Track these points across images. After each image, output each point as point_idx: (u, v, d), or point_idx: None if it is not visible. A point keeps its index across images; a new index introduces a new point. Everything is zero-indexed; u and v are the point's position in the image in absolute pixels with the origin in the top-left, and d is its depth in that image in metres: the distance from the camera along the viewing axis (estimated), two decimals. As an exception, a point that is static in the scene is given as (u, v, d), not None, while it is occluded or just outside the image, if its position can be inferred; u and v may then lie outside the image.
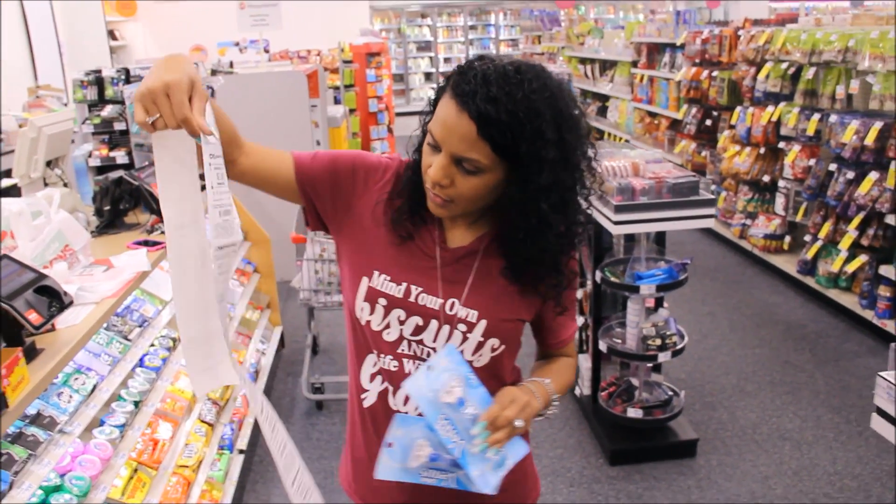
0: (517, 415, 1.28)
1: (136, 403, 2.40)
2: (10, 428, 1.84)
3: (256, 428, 3.67)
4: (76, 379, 2.12)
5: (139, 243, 3.01)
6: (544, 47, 12.74)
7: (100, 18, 9.78)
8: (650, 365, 3.54)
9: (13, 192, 3.23)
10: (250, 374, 3.94)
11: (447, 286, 1.40)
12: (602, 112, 9.88)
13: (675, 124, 7.66)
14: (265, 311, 4.76)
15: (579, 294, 4.00)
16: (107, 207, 3.32)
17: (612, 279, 3.32)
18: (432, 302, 1.40)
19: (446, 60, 17.39)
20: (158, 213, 3.32)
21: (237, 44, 11.32)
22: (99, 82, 3.89)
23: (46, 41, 8.64)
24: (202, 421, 3.02)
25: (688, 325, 4.82)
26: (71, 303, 2.08)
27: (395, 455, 1.31)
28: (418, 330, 1.40)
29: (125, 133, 3.84)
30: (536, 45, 13.34)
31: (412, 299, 1.40)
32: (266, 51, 11.92)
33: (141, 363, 2.62)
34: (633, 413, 3.41)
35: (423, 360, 1.41)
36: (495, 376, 1.43)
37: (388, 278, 1.40)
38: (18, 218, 2.59)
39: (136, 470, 2.34)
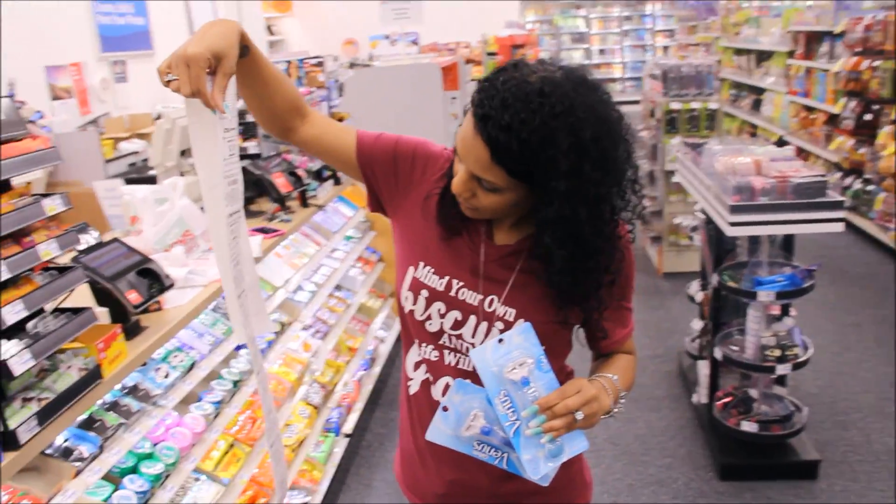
0: (578, 406, 1.22)
1: (236, 383, 2.53)
2: (108, 397, 1.99)
3: (365, 413, 3.77)
4: (176, 356, 2.26)
5: (257, 230, 3.16)
6: (699, 38, 12.22)
7: (258, 15, 10.35)
8: (772, 376, 3.32)
9: (151, 180, 3.49)
10: (365, 360, 4.05)
11: (488, 283, 1.39)
12: (756, 106, 9.34)
13: (832, 119, 7.12)
14: (388, 299, 4.87)
15: (700, 297, 3.81)
16: (232, 195, 3.51)
17: (730, 284, 3.14)
18: (472, 297, 1.39)
19: (601, 52, 17.04)
20: (280, 201, 3.48)
21: (387, 37, 11.64)
22: (235, 76, 4.11)
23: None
24: (307, 403, 3.14)
25: (828, 336, 4.50)
26: (171, 285, 2.22)
27: (448, 420, 1.30)
28: (457, 324, 1.40)
29: (256, 123, 4.04)
30: (692, 35, 12.81)
31: (452, 293, 1.39)
32: (415, 43, 12.16)
33: (246, 345, 2.74)
34: (748, 427, 3.21)
35: (464, 354, 1.41)
36: None
37: (432, 270, 1.41)
38: (143, 204, 2.80)
39: (231, 445, 2.47)
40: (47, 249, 1.68)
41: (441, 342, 1.42)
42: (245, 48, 1.24)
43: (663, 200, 5.57)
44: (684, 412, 3.79)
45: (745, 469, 3.24)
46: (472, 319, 1.39)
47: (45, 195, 1.71)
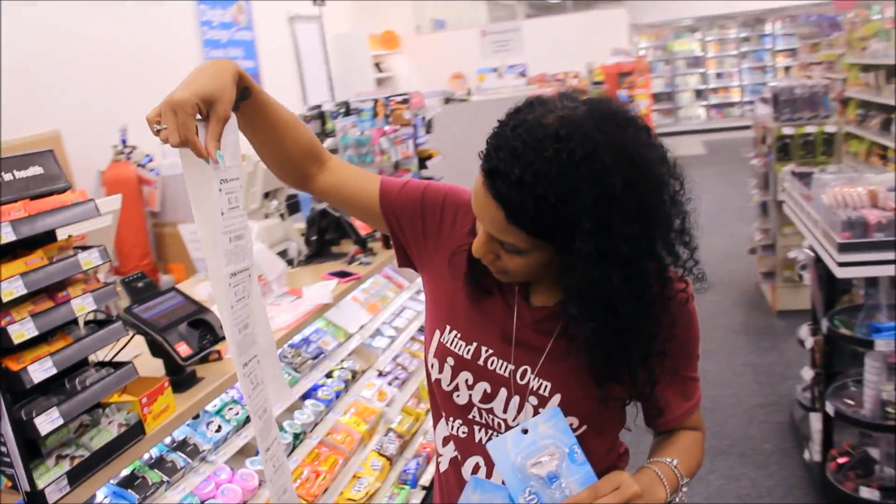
0: None
1: (297, 436, 2.44)
2: (154, 451, 1.95)
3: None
4: (231, 409, 2.20)
5: (334, 274, 3.10)
6: (822, 55, 11.53)
7: (366, 53, 10.55)
8: (896, 435, 2.95)
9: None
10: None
11: (521, 351, 1.23)
12: (886, 126, 8.65)
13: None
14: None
15: (810, 342, 3.46)
16: (313, 237, 3.50)
17: (842, 330, 2.82)
18: (502, 367, 1.23)
19: (718, 76, 16.41)
20: (361, 243, 3.42)
21: (495, 69, 11.61)
22: (321, 116, 4.12)
23: (317, 74, 9.48)
24: (381, 454, 3.03)
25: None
26: (224, 337, 2.17)
27: None
28: (487, 397, 1.25)
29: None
30: (814, 53, 12.13)
31: (481, 362, 1.24)
32: (523, 75, 12.07)
33: (311, 395, 2.67)
34: (868, 493, 2.84)
35: (497, 430, 1.25)
36: None
37: (459, 335, 1.27)
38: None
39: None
40: (82, 304, 1.65)
41: (471, 416, 1.27)
42: (246, 90, 1.15)
43: (776, 233, 5.18)
44: (795, 470, 3.43)
45: (864, 540, 2.88)
46: (503, 392, 1.23)
47: (83, 248, 1.69)
